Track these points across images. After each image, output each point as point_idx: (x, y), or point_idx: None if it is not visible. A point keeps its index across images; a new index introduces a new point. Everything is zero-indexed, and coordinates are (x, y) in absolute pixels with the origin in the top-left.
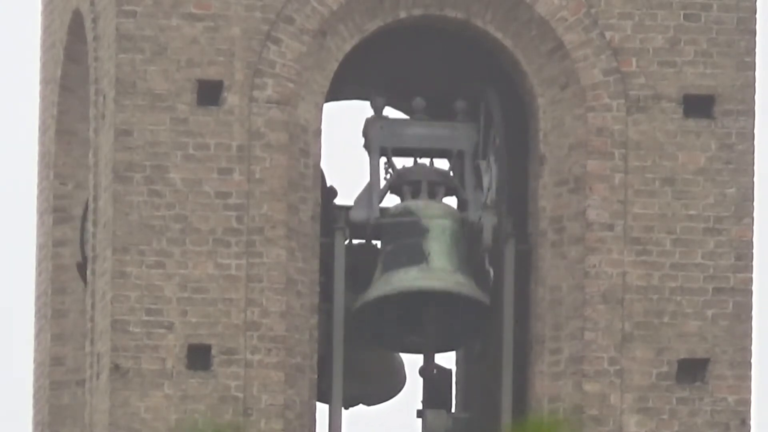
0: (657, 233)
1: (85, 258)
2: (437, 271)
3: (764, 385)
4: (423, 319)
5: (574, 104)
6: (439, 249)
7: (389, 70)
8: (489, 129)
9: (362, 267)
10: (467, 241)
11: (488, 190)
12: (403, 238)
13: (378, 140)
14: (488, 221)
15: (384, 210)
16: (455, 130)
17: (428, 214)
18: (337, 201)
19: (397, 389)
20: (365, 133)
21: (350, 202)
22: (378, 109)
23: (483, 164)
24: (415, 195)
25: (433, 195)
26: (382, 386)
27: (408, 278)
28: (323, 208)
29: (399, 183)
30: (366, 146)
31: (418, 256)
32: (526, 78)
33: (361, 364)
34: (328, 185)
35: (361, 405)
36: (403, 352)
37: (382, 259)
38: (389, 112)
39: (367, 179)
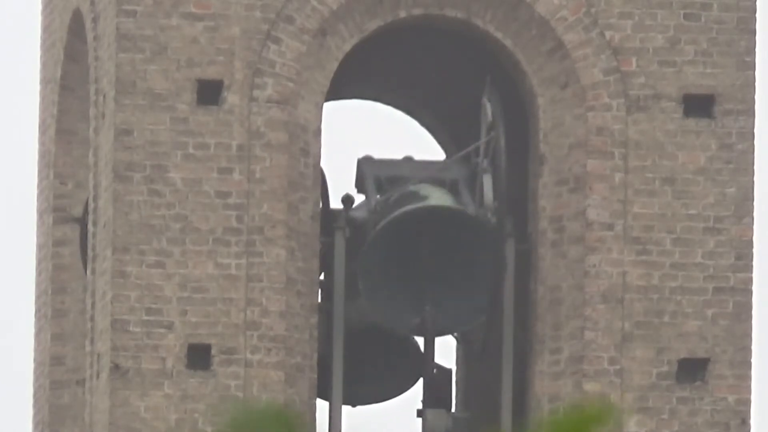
0: (657, 233)
1: (84, 221)
2: (439, 201)
3: (764, 385)
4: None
5: (574, 104)
6: (439, 199)
7: (389, 70)
8: (488, 132)
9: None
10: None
11: (481, 187)
12: (404, 202)
13: (372, 172)
14: (487, 182)
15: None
16: (446, 166)
17: (427, 188)
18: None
19: (409, 383)
20: (358, 171)
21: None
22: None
23: (483, 170)
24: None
25: None
26: (391, 382)
27: (411, 205)
28: (323, 208)
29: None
30: (358, 183)
31: (418, 200)
32: (526, 78)
33: (369, 360)
34: (344, 193)
35: (368, 403)
36: (407, 330)
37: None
38: (388, 111)
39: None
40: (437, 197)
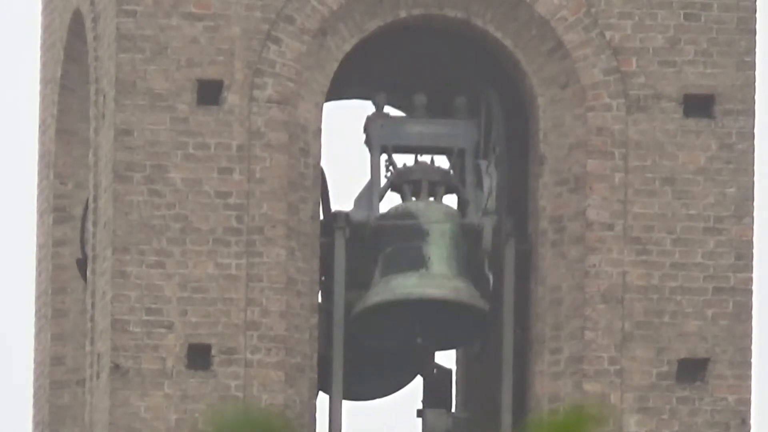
0: (657, 233)
1: (85, 255)
2: (436, 277)
3: (764, 385)
4: (421, 327)
5: (574, 104)
6: (438, 253)
7: (389, 70)
8: (489, 130)
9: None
10: (467, 244)
11: (488, 195)
12: (403, 241)
13: (379, 138)
14: (488, 227)
15: (384, 211)
16: (456, 128)
17: (428, 217)
18: (335, 207)
19: (404, 382)
20: (366, 130)
21: (350, 203)
22: (379, 106)
23: (483, 164)
24: (416, 194)
25: (434, 194)
26: (388, 378)
27: (407, 285)
28: (324, 208)
29: (399, 182)
30: (367, 143)
31: (417, 261)
32: (526, 78)
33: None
34: (332, 210)
35: (367, 399)
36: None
37: (381, 261)
38: (389, 110)
39: (368, 178)
40: (435, 256)
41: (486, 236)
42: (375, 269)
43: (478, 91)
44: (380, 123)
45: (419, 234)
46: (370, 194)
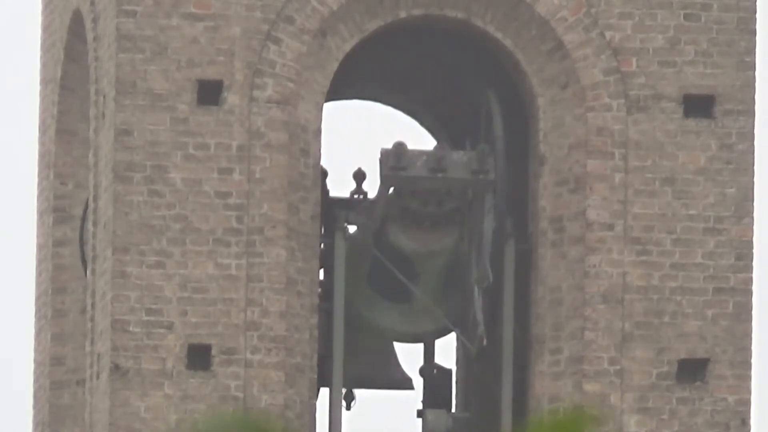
0: (657, 233)
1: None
2: (419, 313)
3: (764, 385)
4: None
5: (574, 104)
6: (424, 289)
7: (389, 70)
8: (489, 126)
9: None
10: (461, 268)
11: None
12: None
13: (389, 179)
14: (485, 269)
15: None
16: (468, 187)
17: (420, 255)
18: (333, 193)
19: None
20: (382, 165)
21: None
22: (395, 146)
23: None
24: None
25: (434, 227)
26: (385, 372)
27: (392, 322)
28: (323, 207)
29: (400, 208)
30: (379, 174)
31: (403, 297)
32: (526, 78)
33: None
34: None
35: (364, 389)
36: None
37: (373, 276)
38: (388, 111)
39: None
40: (426, 277)
41: (483, 272)
42: (365, 274)
43: (478, 91)
44: (397, 181)
45: (409, 276)
46: (371, 212)
